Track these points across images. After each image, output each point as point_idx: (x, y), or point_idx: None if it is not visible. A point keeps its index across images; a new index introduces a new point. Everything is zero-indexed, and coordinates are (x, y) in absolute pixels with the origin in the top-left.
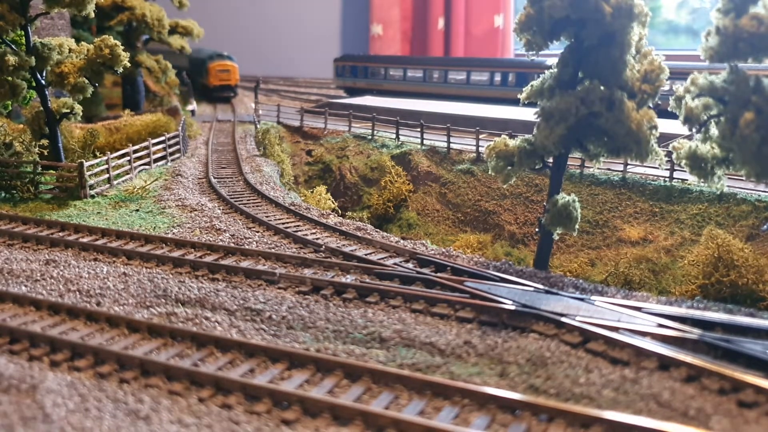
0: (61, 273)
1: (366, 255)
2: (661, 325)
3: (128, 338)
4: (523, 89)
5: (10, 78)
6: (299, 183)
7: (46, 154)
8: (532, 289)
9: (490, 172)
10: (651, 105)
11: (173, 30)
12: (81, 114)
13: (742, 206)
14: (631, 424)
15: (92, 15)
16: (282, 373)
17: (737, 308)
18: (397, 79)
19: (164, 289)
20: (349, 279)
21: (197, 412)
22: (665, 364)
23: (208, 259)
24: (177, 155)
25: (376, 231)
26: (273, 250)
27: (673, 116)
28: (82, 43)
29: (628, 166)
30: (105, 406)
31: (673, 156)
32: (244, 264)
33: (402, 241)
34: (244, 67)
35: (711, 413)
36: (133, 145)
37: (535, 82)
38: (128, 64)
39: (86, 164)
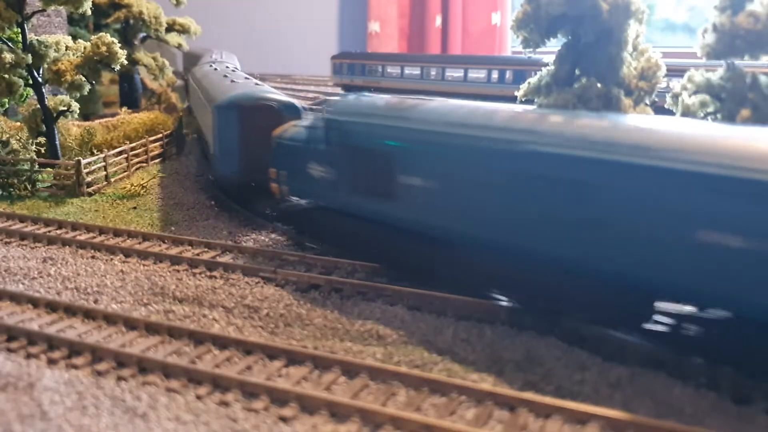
0: (58, 271)
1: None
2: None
3: (126, 336)
4: (521, 87)
5: (6, 75)
6: None
7: (43, 152)
8: None
9: None
10: (648, 102)
11: (170, 27)
12: (78, 112)
13: None
14: None
15: (89, 12)
16: (280, 370)
17: None
18: (394, 76)
19: (162, 286)
20: (346, 277)
21: (195, 409)
22: None
23: (206, 256)
24: (175, 152)
25: None
26: (270, 248)
27: (670, 113)
28: (79, 40)
29: None
30: (102, 403)
31: None
32: (242, 261)
33: None
34: (242, 65)
35: None
36: (130, 143)
37: (533, 80)
38: (125, 62)
39: (83, 162)
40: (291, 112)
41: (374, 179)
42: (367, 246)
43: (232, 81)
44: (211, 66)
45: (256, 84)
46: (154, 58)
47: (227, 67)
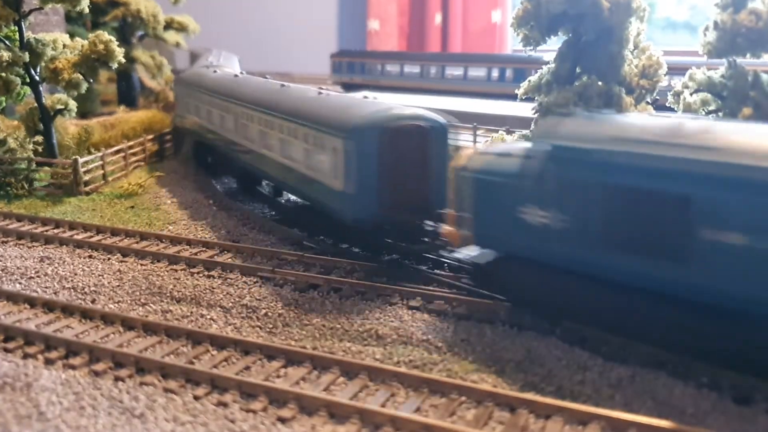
0: (55, 270)
1: (361, 251)
2: None
3: (123, 336)
4: (521, 85)
5: (3, 74)
6: None
7: (40, 150)
8: None
9: None
10: (649, 100)
11: (168, 26)
12: (75, 110)
13: None
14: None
15: (87, 10)
16: (278, 370)
17: None
18: (393, 74)
19: (159, 286)
20: (345, 276)
21: (193, 410)
22: None
23: (204, 255)
24: (173, 151)
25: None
26: (269, 248)
27: (671, 112)
28: (77, 38)
29: None
30: (100, 404)
31: None
32: (240, 261)
33: None
34: (240, 63)
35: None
36: (128, 142)
37: (533, 78)
38: (123, 60)
39: (81, 161)
40: (440, 133)
41: (650, 232)
42: (626, 320)
43: (320, 92)
44: (213, 70)
45: (367, 98)
46: (152, 57)
47: (234, 70)
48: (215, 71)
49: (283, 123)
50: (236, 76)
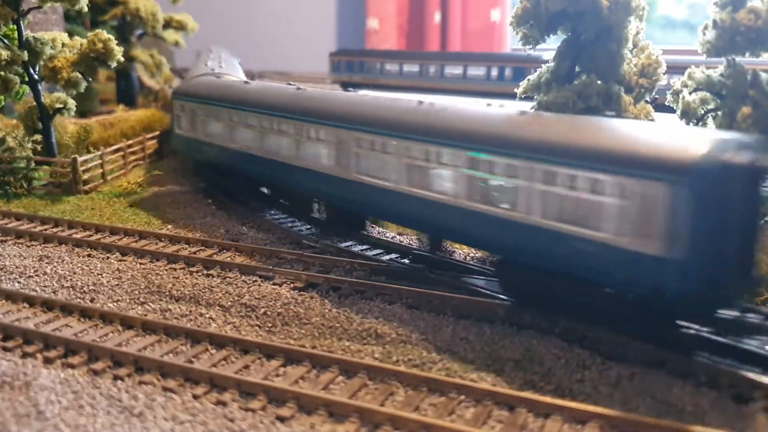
0: (54, 269)
1: (361, 251)
2: None
3: (122, 335)
4: (520, 84)
5: (2, 73)
6: None
7: (39, 149)
8: None
9: None
10: (648, 99)
11: (168, 24)
12: (74, 109)
13: None
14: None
15: (85, 9)
16: (277, 369)
17: None
18: (393, 73)
19: (158, 285)
20: (345, 275)
21: (192, 408)
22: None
23: (203, 254)
24: (172, 150)
25: (372, 226)
26: (268, 246)
27: (670, 111)
28: (76, 37)
29: None
30: (99, 403)
31: None
32: (239, 260)
33: (398, 237)
34: (240, 65)
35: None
36: (127, 141)
37: (532, 77)
38: (122, 59)
39: (80, 159)
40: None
41: None
42: None
43: (526, 112)
44: (245, 81)
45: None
46: (152, 56)
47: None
48: (247, 83)
49: (483, 160)
50: (298, 89)
